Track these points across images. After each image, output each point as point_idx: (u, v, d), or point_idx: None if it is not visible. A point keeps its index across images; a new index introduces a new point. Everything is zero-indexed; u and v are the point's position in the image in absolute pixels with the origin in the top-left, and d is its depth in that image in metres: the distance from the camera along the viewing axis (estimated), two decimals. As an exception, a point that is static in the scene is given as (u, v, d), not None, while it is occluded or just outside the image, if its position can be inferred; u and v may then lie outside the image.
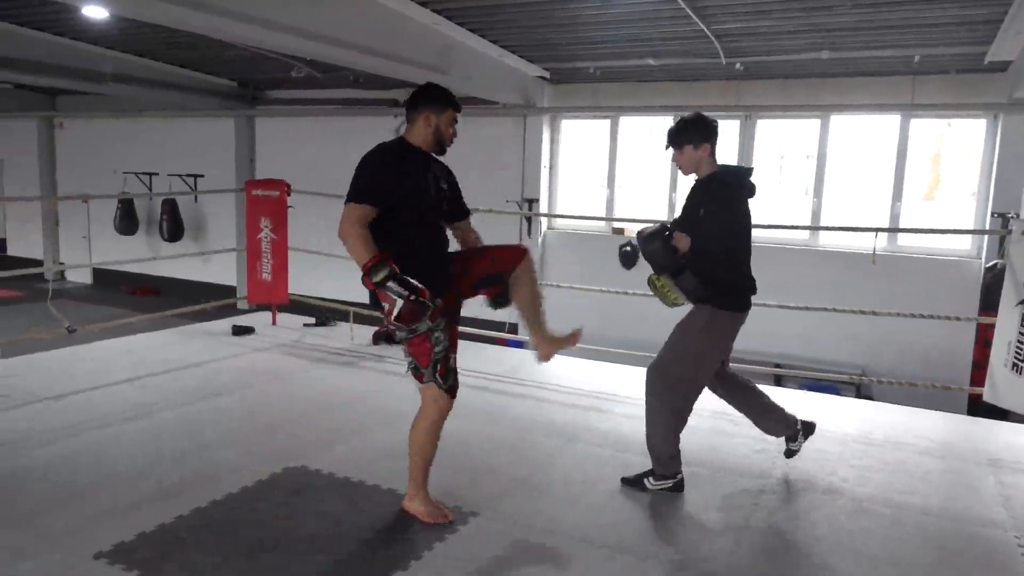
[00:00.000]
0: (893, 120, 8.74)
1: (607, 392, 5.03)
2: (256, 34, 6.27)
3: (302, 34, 6.38)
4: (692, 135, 3.37)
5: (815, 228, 9.04)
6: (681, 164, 3.46)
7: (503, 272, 3.07)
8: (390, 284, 2.71)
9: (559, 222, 10.53)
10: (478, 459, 3.84)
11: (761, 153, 9.56)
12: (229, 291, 11.62)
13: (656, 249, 3.31)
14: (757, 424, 3.79)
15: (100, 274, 14.12)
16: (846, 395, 7.93)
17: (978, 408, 4.29)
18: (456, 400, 3.07)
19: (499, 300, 3.16)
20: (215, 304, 7.29)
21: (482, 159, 10.64)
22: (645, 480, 3.53)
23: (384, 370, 5.52)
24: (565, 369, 5.76)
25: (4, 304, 11.96)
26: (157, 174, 12.83)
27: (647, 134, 10.25)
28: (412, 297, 2.70)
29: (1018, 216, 7.67)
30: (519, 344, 8.81)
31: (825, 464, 3.93)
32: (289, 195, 6.49)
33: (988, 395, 4.07)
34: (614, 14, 7.00)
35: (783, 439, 3.78)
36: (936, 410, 5.06)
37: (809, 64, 8.22)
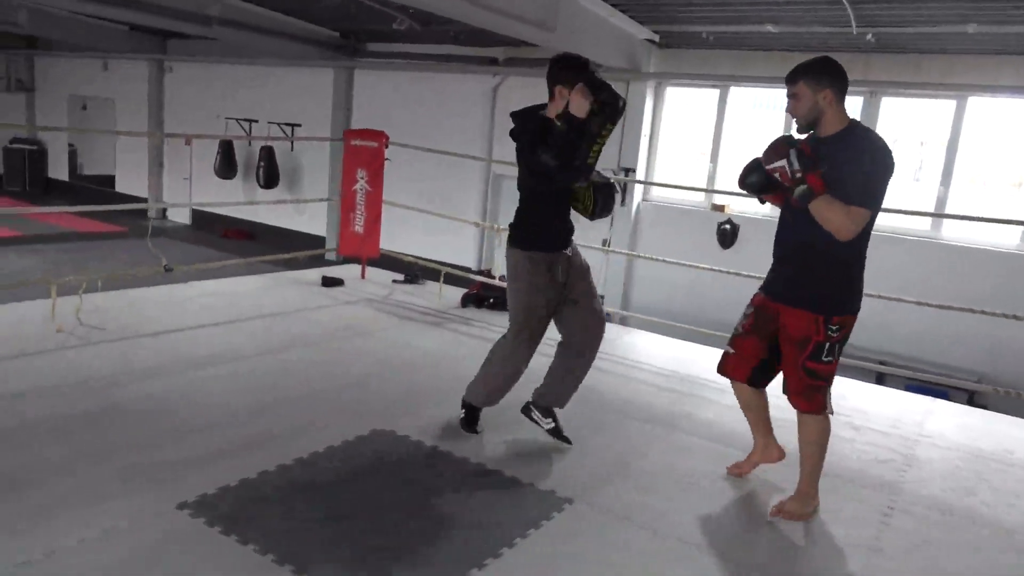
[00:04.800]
0: (1039, 105, 7.91)
1: (703, 378, 4.70)
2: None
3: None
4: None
5: (943, 216, 8.33)
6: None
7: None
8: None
9: (655, 194, 10.08)
10: (572, 438, 3.61)
11: (883, 134, 8.85)
12: (318, 241, 11.73)
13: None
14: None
15: (198, 215, 14.53)
16: (956, 401, 7.33)
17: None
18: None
19: None
20: (307, 253, 7.28)
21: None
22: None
23: (470, 334, 5.35)
24: (655, 348, 5.48)
25: (109, 238, 12.45)
26: (257, 121, 13.00)
27: (756, 107, 9.65)
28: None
29: None
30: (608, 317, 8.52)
31: (963, 482, 3.53)
32: (387, 147, 6.34)
33: None
34: (739, -28, 6.49)
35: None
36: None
37: (949, 38, 7.47)
